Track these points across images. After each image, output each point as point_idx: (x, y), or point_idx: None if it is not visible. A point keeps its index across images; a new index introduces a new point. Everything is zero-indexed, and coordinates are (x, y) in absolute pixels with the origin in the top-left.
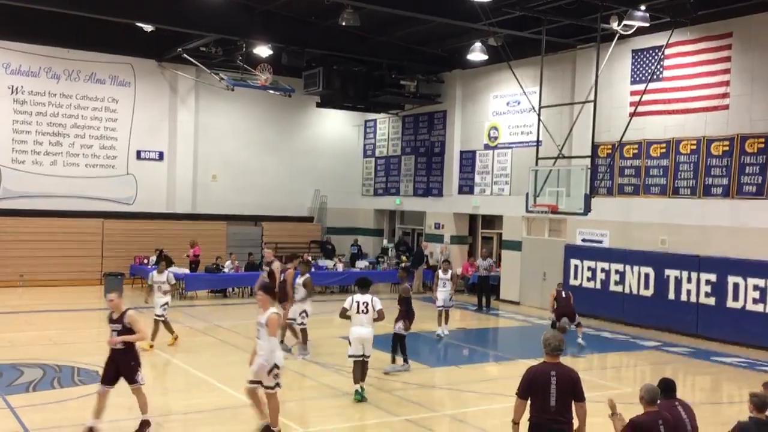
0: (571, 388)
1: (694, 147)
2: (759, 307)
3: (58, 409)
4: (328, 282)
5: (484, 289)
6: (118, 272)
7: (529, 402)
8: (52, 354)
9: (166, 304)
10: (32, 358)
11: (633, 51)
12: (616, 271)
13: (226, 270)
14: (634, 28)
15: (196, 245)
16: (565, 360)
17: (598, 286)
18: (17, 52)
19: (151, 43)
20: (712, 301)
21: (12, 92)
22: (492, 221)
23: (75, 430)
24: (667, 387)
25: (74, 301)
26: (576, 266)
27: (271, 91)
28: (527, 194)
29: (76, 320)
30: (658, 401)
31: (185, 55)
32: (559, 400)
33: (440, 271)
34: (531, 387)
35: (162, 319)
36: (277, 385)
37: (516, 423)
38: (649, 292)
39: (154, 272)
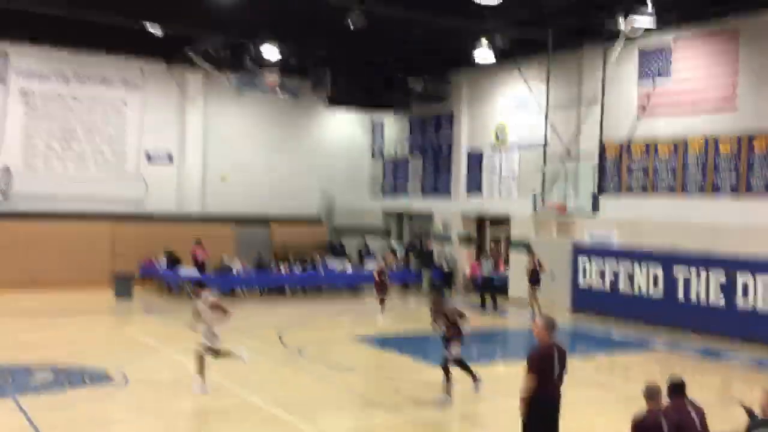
0: (565, 361)
1: (702, 146)
2: None
3: (69, 410)
4: (338, 283)
5: (487, 290)
6: (129, 273)
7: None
8: (63, 355)
9: None
10: (43, 360)
11: (640, 50)
12: (625, 271)
13: (234, 271)
14: (642, 28)
15: (201, 248)
16: (579, 361)
17: (607, 285)
18: (28, 55)
19: (160, 45)
20: (721, 300)
21: (23, 95)
22: (500, 222)
23: (85, 430)
24: (677, 387)
25: (84, 303)
26: (585, 266)
27: (279, 93)
28: (535, 194)
29: (86, 322)
30: (667, 400)
31: (193, 57)
32: (559, 372)
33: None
34: (542, 363)
35: None
36: None
37: (525, 399)
38: (659, 292)
39: None
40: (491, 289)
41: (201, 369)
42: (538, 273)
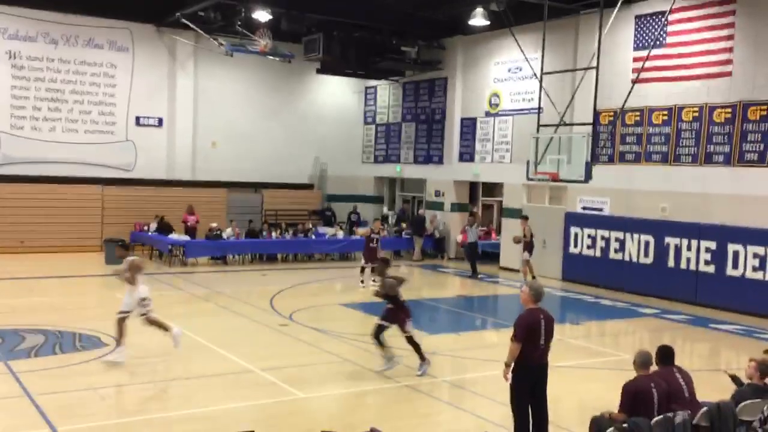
0: (552, 328)
1: (696, 114)
2: (758, 275)
3: (60, 375)
4: (330, 249)
5: (473, 256)
6: (119, 239)
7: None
8: (54, 320)
9: None
10: (34, 324)
11: (636, 16)
12: (616, 239)
13: (226, 237)
14: None
15: (193, 213)
16: (569, 328)
17: (598, 253)
18: (15, 17)
19: (149, 7)
20: (711, 268)
21: (10, 57)
22: (493, 189)
23: (77, 394)
24: (666, 354)
25: (75, 268)
26: (576, 234)
27: (271, 57)
28: (528, 162)
29: (77, 286)
30: (656, 367)
31: (184, 20)
32: (545, 339)
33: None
34: (528, 331)
35: None
36: None
37: (509, 366)
38: (649, 260)
39: None
40: (475, 255)
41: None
42: (532, 241)
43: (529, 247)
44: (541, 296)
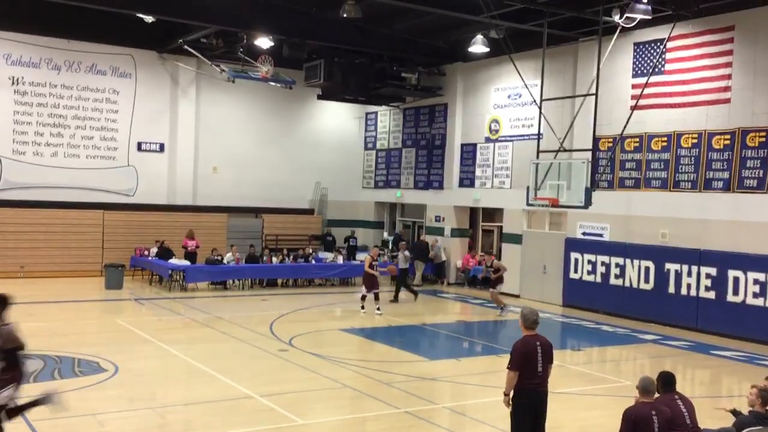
0: (550, 354)
1: (695, 141)
2: (759, 301)
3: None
4: (329, 274)
5: (400, 282)
6: (119, 264)
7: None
8: (53, 345)
9: None
10: (33, 349)
11: (635, 44)
12: (617, 265)
13: (226, 262)
14: (636, 21)
15: (193, 238)
16: (570, 354)
17: (599, 279)
18: (18, 43)
19: (152, 34)
20: (712, 294)
21: (13, 83)
22: (493, 214)
23: (75, 420)
24: (667, 381)
25: (75, 293)
26: (576, 259)
27: (272, 84)
28: (528, 187)
29: (77, 311)
30: (657, 394)
31: (186, 47)
32: (543, 366)
33: None
34: (524, 359)
35: None
36: None
37: (508, 394)
38: (650, 286)
39: None
40: (402, 281)
41: None
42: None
43: (498, 280)
44: (534, 323)
